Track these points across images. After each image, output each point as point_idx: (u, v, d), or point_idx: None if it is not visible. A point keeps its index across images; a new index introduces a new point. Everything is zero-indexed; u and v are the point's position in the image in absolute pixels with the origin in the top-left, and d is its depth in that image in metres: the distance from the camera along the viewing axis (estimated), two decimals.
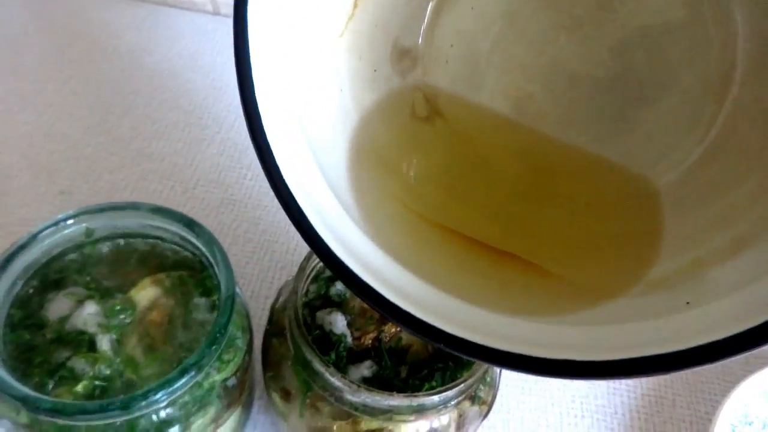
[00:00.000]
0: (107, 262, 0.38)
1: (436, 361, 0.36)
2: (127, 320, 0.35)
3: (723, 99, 0.33)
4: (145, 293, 0.36)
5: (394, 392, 0.32)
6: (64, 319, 0.35)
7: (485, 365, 0.34)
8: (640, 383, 0.53)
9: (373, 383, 0.34)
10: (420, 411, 0.33)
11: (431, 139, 0.38)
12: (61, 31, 0.75)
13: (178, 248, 0.39)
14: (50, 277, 0.36)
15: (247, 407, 0.43)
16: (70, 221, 0.36)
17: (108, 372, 0.33)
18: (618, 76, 0.36)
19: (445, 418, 0.36)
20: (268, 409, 0.47)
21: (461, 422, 0.37)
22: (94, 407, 0.29)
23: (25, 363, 0.33)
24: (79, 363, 0.33)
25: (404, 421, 0.34)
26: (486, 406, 0.38)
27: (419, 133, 0.38)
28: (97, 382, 0.33)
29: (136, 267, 0.38)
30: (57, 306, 0.35)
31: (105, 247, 0.38)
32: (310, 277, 0.39)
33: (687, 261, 0.30)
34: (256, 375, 0.45)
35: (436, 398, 0.33)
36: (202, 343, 0.32)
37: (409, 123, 0.38)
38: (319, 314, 0.37)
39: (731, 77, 0.33)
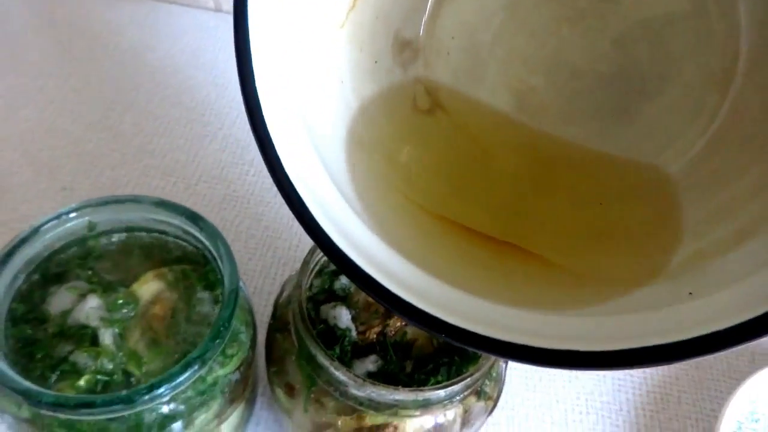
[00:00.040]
0: (109, 255, 0.37)
1: (442, 355, 0.36)
2: (130, 314, 0.35)
3: (726, 90, 0.33)
4: (148, 287, 0.36)
5: (400, 387, 0.32)
6: (66, 313, 0.34)
7: (491, 360, 0.34)
8: (645, 380, 0.53)
9: (378, 378, 0.34)
10: (425, 406, 0.33)
11: (432, 132, 0.38)
12: (62, 28, 0.74)
13: (180, 242, 0.38)
14: (52, 270, 0.36)
15: (251, 403, 0.42)
16: (73, 215, 0.36)
17: (110, 366, 0.33)
18: (620, 68, 0.35)
19: (451, 414, 0.35)
20: (271, 406, 0.47)
21: (467, 418, 0.36)
22: (97, 401, 0.29)
23: (27, 357, 0.33)
24: (81, 357, 0.33)
25: (409, 416, 0.34)
26: (492, 401, 0.38)
27: (421, 126, 0.38)
28: (99, 377, 0.32)
29: (138, 261, 0.37)
30: (59, 300, 0.35)
31: (107, 241, 0.38)
32: (314, 272, 0.38)
33: (689, 252, 0.29)
34: (259, 371, 0.44)
35: (441, 393, 0.32)
36: (206, 337, 0.32)
37: (411, 115, 0.38)
38: (324, 308, 0.37)
39: (734, 68, 0.33)
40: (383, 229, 0.30)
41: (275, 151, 0.28)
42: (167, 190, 0.60)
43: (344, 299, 0.38)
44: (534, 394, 0.51)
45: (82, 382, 0.32)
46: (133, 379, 0.33)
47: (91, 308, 0.34)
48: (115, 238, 0.38)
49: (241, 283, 0.35)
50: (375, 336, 0.37)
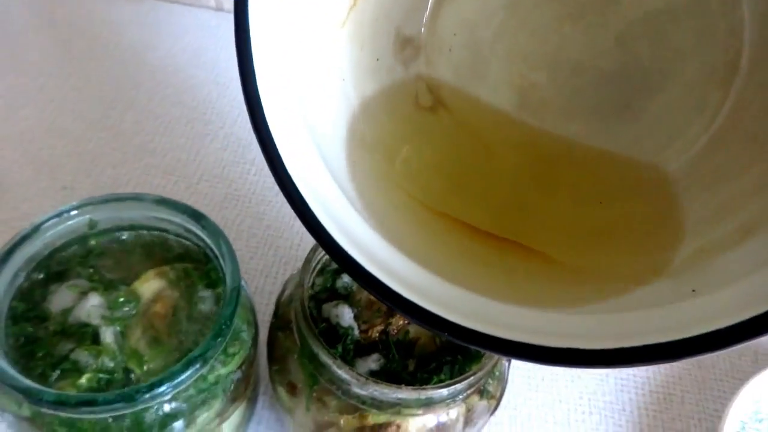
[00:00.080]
0: (111, 254, 0.37)
1: (445, 354, 0.36)
2: (131, 312, 0.35)
3: (728, 87, 0.33)
4: (149, 285, 0.35)
5: (402, 385, 0.32)
6: (67, 312, 0.34)
7: (494, 359, 0.34)
8: (648, 380, 0.53)
9: (381, 377, 0.33)
10: (428, 405, 0.33)
11: (434, 129, 0.38)
12: (63, 27, 0.74)
13: (182, 240, 0.38)
14: (53, 269, 0.36)
15: (252, 402, 0.42)
16: (74, 212, 0.36)
17: (112, 365, 0.33)
18: (622, 64, 0.35)
19: (454, 413, 0.35)
20: (273, 405, 0.47)
21: (469, 417, 0.36)
22: (98, 399, 0.29)
23: (27, 356, 0.33)
24: (82, 355, 0.33)
25: (412, 415, 0.34)
26: (495, 400, 0.37)
27: (422, 123, 0.38)
28: (100, 375, 0.32)
29: (139, 259, 0.37)
30: (60, 298, 0.35)
31: (108, 239, 0.38)
32: (316, 270, 0.38)
33: (692, 249, 0.29)
34: (261, 370, 0.44)
35: (444, 391, 0.32)
36: (207, 335, 0.32)
37: (413, 113, 0.38)
38: (326, 307, 0.37)
39: (737, 64, 0.33)
40: (385, 226, 0.30)
41: (276, 149, 0.28)
42: (168, 189, 0.60)
43: (346, 297, 0.38)
44: (536, 393, 0.51)
45: (83, 381, 0.32)
46: (134, 378, 0.33)
47: (92, 306, 0.34)
48: (117, 236, 0.38)
49: (242, 282, 0.35)
50: (377, 334, 0.36)
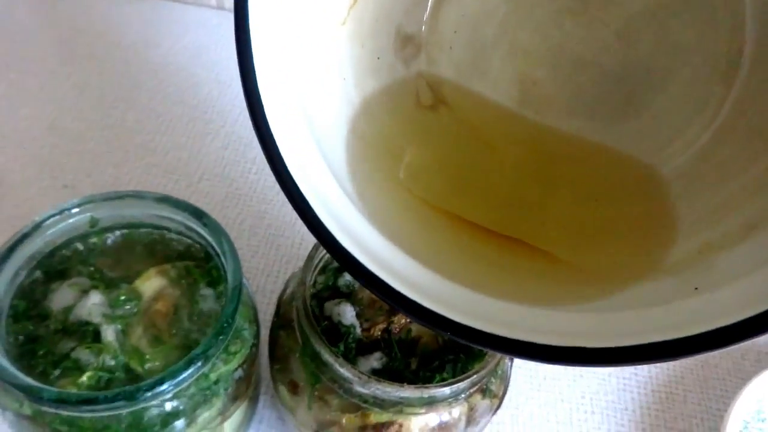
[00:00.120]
0: (112, 252, 0.37)
1: (447, 352, 0.36)
2: (133, 311, 0.34)
3: (731, 82, 0.33)
4: (151, 283, 0.35)
5: (405, 384, 0.32)
6: (68, 310, 0.34)
7: (497, 357, 0.34)
8: (650, 379, 0.52)
9: (383, 375, 0.33)
10: (431, 403, 0.33)
11: (436, 127, 0.38)
12: (64, 26, 0.74)
13: (183, 238, 0.38)
14: (54, 267, 0.36)
15: (254, 401, 0.42)
16: (75, 210, 0.35)
17: (113, 363, 0.33)
18: (624, 60, 0.35)
19: (456, 412, 0.35)
20: (274, 405, 0.47)
21: (472, 416, 0.36)
22: (100, 398, 0.29)
23: (28, 354, 0.33)
24: (83, 354, 0.33)
25: (414, 414, 0.34)
26: (497, 399, 0.37)
27: (424, 121, 0.38)
28: (101, 373, 0.32)
29: (141, 257, 0.37)
30: (61, 296, 0.34)
31: (110, 237, 0.38)
32: (318, 268, 0.38)
33: (695, 246, 0.29)
34: (262, 369, 0.44)
35: (447, 390, 0.32)
36: (209, 333, 0.32)
37: (414, 111, 0.38)
38: (328, 305, 0.37)
39: (739, 59, 0.32)
40: (386, 224, 0.30)
41: (276, 146, 0.28)
42: (169, 188, 0.59)
43: (348, 296, 0.38)
44: (539, 393, 0.51)
45: (84, 379, 0.32)
46: (135, 376, 0.32)
47: (93, 305, 0.34)
48: (118, 234, 0.38)
49: (244, 280, 0.35)
50: (379, 333, 0.36)
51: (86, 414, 0.30)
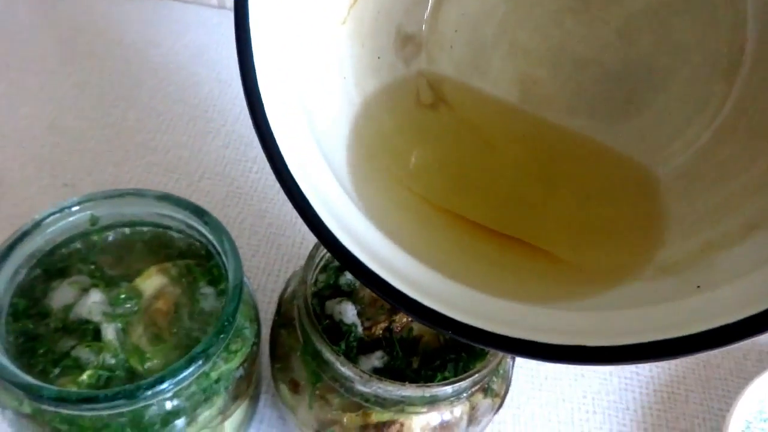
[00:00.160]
0: (112, 250, 0.37)
1: (449, 351, 0.36)
2: (133, 309, 0.34)
3: (732, 81, 0.33)
4: (151, 282, 0.35)
5: (406, 383, 0.31)
6: (68, 308, 0.34)
7: (499, 356, 0.34)
8: (652, 379, 0.52)
9: (385, 374, 0.33)
10: (432, 402, 0.33)
11: (436, 126, 0.38)
12: (65, 25, 0.74)
13: (184, 236, 0.38)
14: (54, 265, 0.36)
15: (254, 400, 0.42)
16: (75, 208, 0.35)
17: (113, 361, 0.32)
18: (625, 59, 0.35)
19: (458, 411, 0.35)
20: (275, 404, 0.47)
21: (473, 415, 0.36)
22: (100, 396, 0.29)
23: (28, 352, 0.32)
24: (83, 352, 0.32)
25: (416, 413, 0.34)
26: (499, 398, 0.37)
27: (424, 120, 0.38)
28: (102, 372, 0.32)
29: (141, 255, 0.37)
30: (61, 294, 0.34)
31: (110, 235, 0.37)
32: (319, 267, 0.38)
33: (697, 245, 0.29)
34: (263, 368, 0.44)
35: (448, 389, 0.32)
36: (210, 332, 0.32)
37: (414, 110, 0.38)
38: (329, 304, 0.37)
39: (740, 58, 0.32)
40: (386, 223, 0.30)
41: (277, 145, 0.28)
42: (170, 186, 0.59)
43: (350, 294, 0.38)
44: (540, 392, 0.51)
45: (84, 378, 0.31)
46: (135, 374, 0.32)
47: (93, 303, 0.34)
48: (118, 232, 0.38)
49: (245, 279, 0.35)
50: (381, 332, 0.36)
51: (86, 412, 0.30)
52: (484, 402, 0.36)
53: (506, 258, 0.33)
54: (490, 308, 0.27)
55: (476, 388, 0.34)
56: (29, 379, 0.29)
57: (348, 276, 0.38)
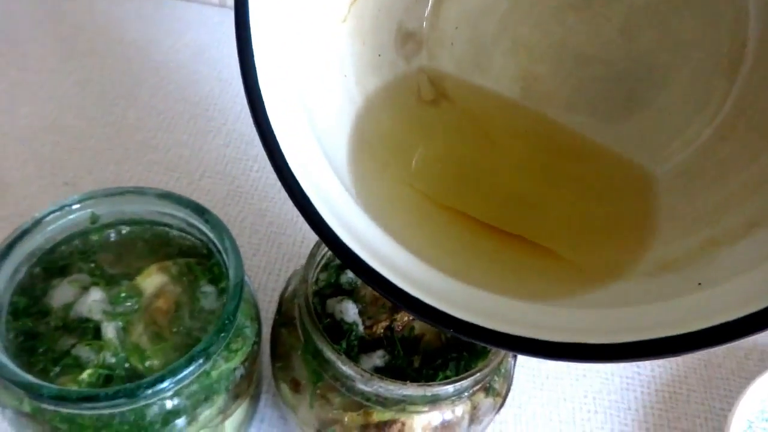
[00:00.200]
0: (112, 248, 0.37)
1: (450, 350, 0.35)
2: (133, 308, 0.34)
3: (734, 77, 0.33)
4: (152, 280, 0.35)
5: (408, 381, 0.31)
6: (68, 307, 0.34)
7: (500, 355, 0.34)
8: (654, 379, 0.52)
9: (386, 373, 0.33)
10: (434, 401, 0.33)
11: (438, 122, 0.38)
12: (65, 24, 0.74)
13: (185, 235, 0.38)
14: (54, 263, 0.36)
15: (255, 400, 0.42)
16: (75, 206, 0.35)
17: (113, 360, 0.32)
18: (627, 55, 0.35)
19: (459, 410, 0.35)
20: (276, 403, 0.47)
21: (475, 414, 0.36)
22: (100, 395, 0.29)
23: (28, 351, 0.32)
24: (83, 351, 0.32)
25: (417, 412, 0.33)
26: (500, 398, 0.37)
27: (425, 117, 0.38)
28: (102, 371, 0.32)
29: (142, 254, 0.37)
30: (61, 293, 0.34)
31: (110, 234, 0.37)
32: (320, 265, 0.38)
33: (698, 242, 0.29)
34: (263, 368, 0.44)
35: (450, 388, 0.32)
36: (210, 330, 0.32)
37: (415, 106, 0.38)
38: (330, 302, 0.37)
39: (742, 55, 0.32)
40: (388, 221, 0.30)
41: (277, 142, 0.28)
42: (170, 185, 0.59)
43: (351, 293, 0.38)
44: (541, 392, 0.51)
45: (84, 376, 0.31)
46: (136, 373, 0.32)
47: (93, 301, 0.34)
48: (119, 230, 0.38)
49: (246, 277, 0.35)
50: (382, 330, 0.36)
51: (86, 411, 0.30)
52: (485, 401, 0.36)
53: (507, 255, 0.33)
54: (491, 306, 0.27)
55: (478, 387, 0.34)
56: (29, 377, 0.29)
57: (349, 275, 0.38)
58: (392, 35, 0.37)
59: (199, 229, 0.36)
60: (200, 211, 0.36)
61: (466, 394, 0.33)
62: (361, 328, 0.36)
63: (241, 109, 0.67)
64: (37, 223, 0.34)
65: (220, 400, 0.34)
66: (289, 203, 0.28)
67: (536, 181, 0.37)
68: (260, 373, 0.41)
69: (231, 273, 0.34)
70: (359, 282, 0.38)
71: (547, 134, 0.37)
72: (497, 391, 0.37)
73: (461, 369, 0.35)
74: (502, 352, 0.34)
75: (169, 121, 0.65)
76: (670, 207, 0.33)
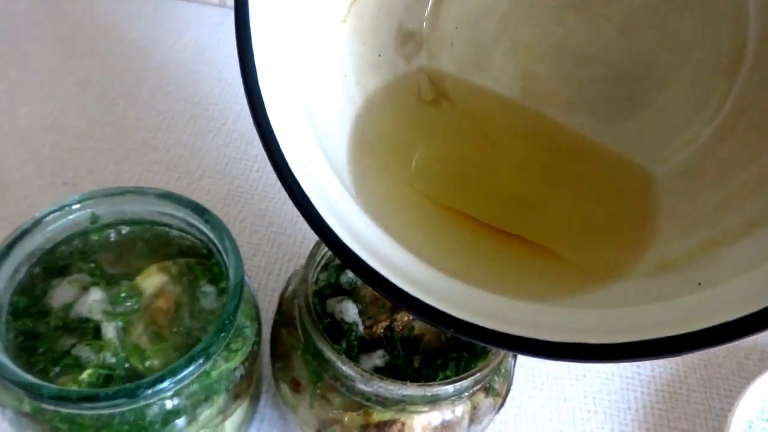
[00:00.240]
0: (113, 248, 0.37)
1: (450, 350, 0.35)
2: (133, 308, 0.34)
3: (733, 78, 0.33)
4: (152, 280, 0.35)
5: (408, 381, 0.31)
6: (68, 307, 0.34)
7: (500, 355, 0.34)
8: (654, 379, 0.52)
9: (386, 373, 0.33)
10: (434, 402, 0.33)
11: (438, 122, 0.38)
12: (65, 23, 0.74)
13: (185, 235, 0.38)
14: (54, 263, 0.36)
15: (255, 400, 0.42)
16: (75, 206, 0.35)
17: (113, 360, 0.32)
18: (627, 55, 0.35)
19: (459, 410, 0.35)
20: (276, 403, 0.47)
21: (475, 414, 0.36)
22: (100, 395, 0.29)
23: (28, 351, 0.32)
24: (83, 351, 0.32)
25: (417, 412, 0.33)
26: (500, 398, 0.37)
27: (426, 117, 0.38)
28: (102, 371, 0.32)
29: (142, 254, 0.37)
30: (61, 293, 0.34)
31: (110, 234, 0.37)
32: (320, 265, 0.38)
33: (698, 242, 0.29)
34: (263, 368, 0.44)
35: (450, 388, 0.32)
36: (210, 330, 0.32)
37: (415, 106, 0.38)
38: (330, 302, 0.37)
39: (742, 55, 0.32)
40: (388, 221, 0.30)
41: (277, 142, 0.28)
42: (170, 185, 0.59)
43: (351, 293, 0.38)
44: (541, 392, 0.51)
45: (84, 376, 0.31)
46: (136, 373, 0.32)
47: (93, 301, 0.34)
48: (119, 230, 0.38)
49: (246, 277, 0.35)
50: (382, 330, 0.36)
51: (86, 411, 0.30)
52: (485, 401, 0.36)
53: (507, 255, 0.33)
54: (491, 305, 0.27)
55: (478, 387, 0.34)
56: (29, 377, 0.29)
57: (349, 275, 0.38)
58: (392, 35, 0.37)
59: (199, 229, 0.36)
60: (200, 211, 0.36)
61: (466, 394, 0.33)
62: (361, 328, 0.36)
63: (241, 109, 0.67)
64: (37, 223, 0.34)
65: (220, 400, 0.34)
66: (289, 203, 0.28)
67: (536, 181, 0.37)
68: (260, 373, 0.41)
69: (231, 273, 0.34)
70: (359, 282, 0.38)
71: (547, 134, 0.37)
72: (497, 391, 0.37)
73: (461, 369, 0.34)
74: (502, 352, 0.34)
75: (169, 121, 0.65)
76: (670, 207, 0.33)
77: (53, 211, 0.35)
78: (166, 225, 0.38)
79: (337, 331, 0.35)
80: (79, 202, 0.35)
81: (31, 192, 0.57)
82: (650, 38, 0.34)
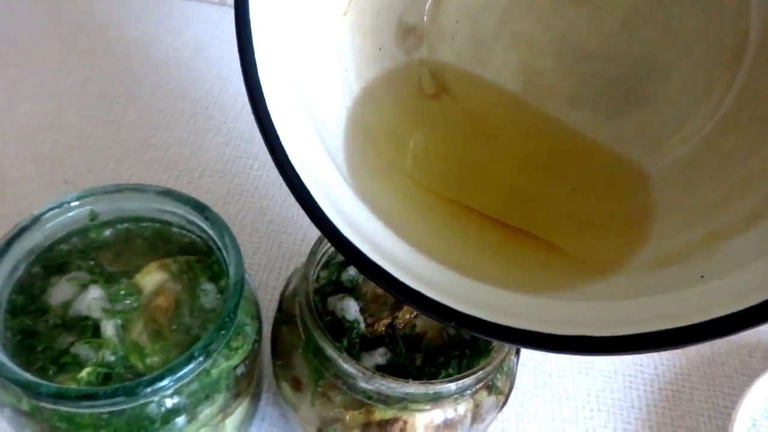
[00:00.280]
0: (112, 246, 0.37)
1: (453, 348, 0.35)
2: (133, 305, 0.34)
3: (735, 70, 0.33)
4: (151, 278, 0.35)
5: (410, 379, 0.31)
6: (67, 304, 0.34)
7: (503, 353, 0.33)
8: (657, 377, 0.52)
9: (387, 371, 0.33)
10: (436, 400, 0.32)
11: (439, 115, 0.38)
12: (65, 22, 0.74)
13: (185, 232, 0.38)
14: (53, 261, 0.35)
15: (256, 398, 0.41)
16: (75, 204, 0.35)
17: (112, 358, 0.32)
18: (628, 49, 0.35)
19: (462, 408, 0.34)
20: (277, 402, 0.46)
21: (477, 412, 0.35)
22: (99, 393, 0.28)
23: (27, 349, 0.32)
24: (82, 349, 0.32)
25: (419, 411, 0.33)
26: (503, 396, 0.37)
27: (427, 110, 0.37)
28: (101, 369, 0.32)
29: (141, 251, 0.37)
30: (60, 291, 0.34)
31: (110, 231, 0.37)
32: (321, 263, 0.38)
33: (699, 234, 0.29)
34: (264, 366, 0.44)
35: (452, 386, 0.32)
36: (210, 328, 0.31)
37: (416, 99, 0.37)
38: (331, 300, 0.36)
39: (744, 47, 0.32)
40: (390, 215, 0.30)
41: (278, 137, 0.27)
42: (170, 183, 0.59)
43: (352, 291, 0.37)
44: (544, 390, 0.50)
45: (83, 375, 0.31)
46: (135, 371, 0.32)
47: (92, 299, 0.33)
48: (118, 228, 0.37)
49: (246, 275, 0.34)
50: (384, 328, 0.36)
51: (85, 410, 0.30)
52: (488, 399, 0.36)
53: (510, 249, 0.33)
54: (493, 299, 0.27)
55: (480, 385, 0.34)
56: (28, 376, 0.29)
57: (350, 272, 0.38)
58: (393, 29, 0.37)
59: (199, 227, 0.36)
60: (200, 208, 0.35)
61: (468, 392, 0.33)
62: (362, 325, 0.36)
63: (241, 107, 0.67)
64: (36, 220, 0.34)
65: (220, 399, 0.34)
66: (290, 201, 0.27)
67: (538, 175, 0.36)
68: (261, 371, 0.41)
69: (231, 270, 0.33)
70: (360, 279, 0.38)
71: (548, 130, 0.37)
72: (500, 390, 0.36)
73: (464, 367, 0.34)
74: (505, 349, 0.34)
75: (169, 119, 0.65)
76: (671, 200, 0.33)
77: (52, 209, 0.34)
78: (166, 222, 0.38)
79: (338, 329, 0.35)
80: (78, 199, 0.35)
81: (30, 190, 0.57)
82: (652, 31, 0.34)
